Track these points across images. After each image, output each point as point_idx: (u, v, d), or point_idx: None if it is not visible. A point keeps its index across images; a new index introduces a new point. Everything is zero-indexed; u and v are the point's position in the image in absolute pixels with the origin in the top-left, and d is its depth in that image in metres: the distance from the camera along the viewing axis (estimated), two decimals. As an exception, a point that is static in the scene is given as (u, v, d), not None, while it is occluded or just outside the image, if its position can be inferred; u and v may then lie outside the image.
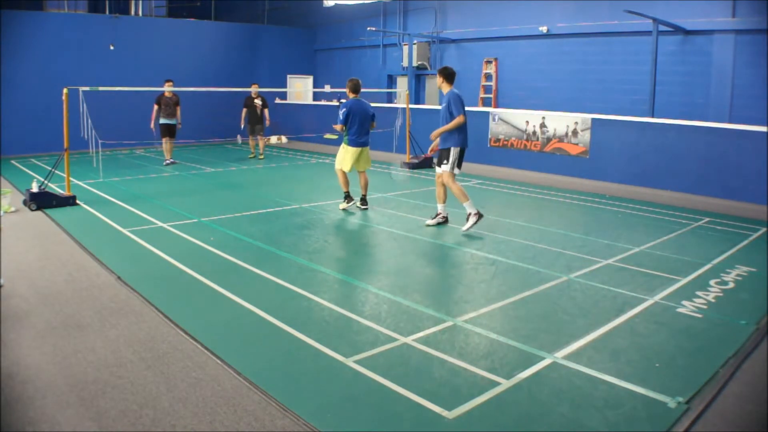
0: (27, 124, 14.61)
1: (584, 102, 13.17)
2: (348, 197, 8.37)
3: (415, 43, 16.87)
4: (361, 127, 8.15)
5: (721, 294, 5.11)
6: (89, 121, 9.33)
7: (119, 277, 5.35)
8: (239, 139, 17.01)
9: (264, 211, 8.41)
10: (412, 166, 12.73)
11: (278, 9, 20.54)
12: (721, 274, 5.65)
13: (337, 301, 4.84)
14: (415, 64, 17.01)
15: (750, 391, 3.55)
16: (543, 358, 3.82)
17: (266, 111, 14.15)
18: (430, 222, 7.53)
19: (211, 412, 3.17)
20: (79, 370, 3.61)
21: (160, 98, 12.64)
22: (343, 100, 8.45)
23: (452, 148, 7.11)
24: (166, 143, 12.99)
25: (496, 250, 6.42)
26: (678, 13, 11.59)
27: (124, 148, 15.24)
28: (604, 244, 6.71)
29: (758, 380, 3.71)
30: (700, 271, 5.73)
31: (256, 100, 13.97)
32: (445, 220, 7.54)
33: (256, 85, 14.26)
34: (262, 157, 14.36)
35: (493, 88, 15.31)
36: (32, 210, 8.14)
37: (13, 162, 13.18)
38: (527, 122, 12.56)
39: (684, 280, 5.44)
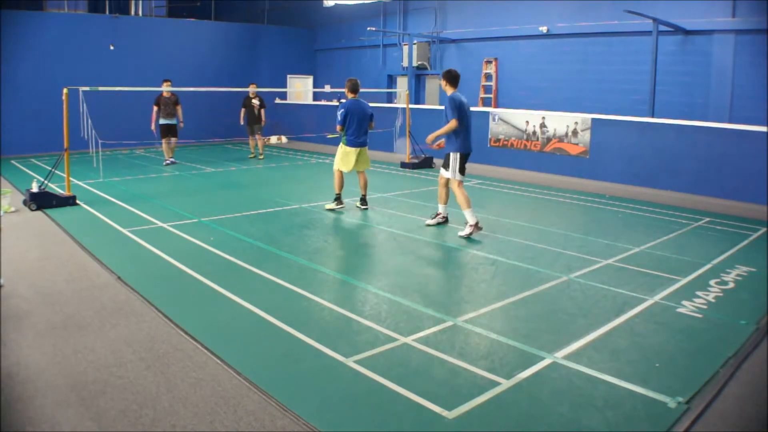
0: (27, 124, 14.60)
1: (584, 102, 13.17)
2: (338, 199, 8.36)
3: (415, 43, 16.87)
4: (359, 127, 8.14)
5: (721, 294, 5.11)
6: (89, 121, 9.33)
7: (119, 277, 5.35)
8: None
9: (264, 211, 8.41)
10: (412, 166, 12.75)
11: (278, 9, 20.53)
12: (721, 274, 5.65)
13: (337, 301, 4.84)
14: (415, 64, 17.01)
15: (750, 391, 3.55)
16: (543, 358, 3.82)
17: (263, 111, 14.17)
18: (430, 221, 7.53)
19: (211, 412, 3.17)
20: (79, 370, 3.61)
21: (159, 99, 12.64)
22: (343, 100, 8.45)
23: (451, 154, 7.07)
24: (165, 143, 12.99)
25: (496, 250, 6.42)
26: (678, 13, 11.59)
27: (124, 148, 15.24)
28: (604, 244, 6.71)
29: (758, 380, 3.71)
30: (700, 271, 5.73)
31: (253, 100, 13.99)
32: (445, 220, 7.54)
33: (254, 85, 14.27)
34: (261, 157, 14.37)
35: (493, 88, 15.31)
36: (32, 210, 8.14)
37: (13, 162, 13.18)
38: (527, 122, 12.56)
39: (684, 280, 5.44)
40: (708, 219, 8.19)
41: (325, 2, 17.53)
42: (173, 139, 12.96)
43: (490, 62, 15.42)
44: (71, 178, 8.97)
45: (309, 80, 20.87)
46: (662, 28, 11.41)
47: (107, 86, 12.24)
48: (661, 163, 10.46)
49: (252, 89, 14.04)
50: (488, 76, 15.46)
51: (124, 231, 7.06)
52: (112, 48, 16.15)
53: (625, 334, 4.24)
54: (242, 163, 13.59)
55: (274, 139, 18.39)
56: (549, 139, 12.16)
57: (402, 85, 17.87)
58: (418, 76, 17.62)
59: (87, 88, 9.30)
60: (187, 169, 12.48)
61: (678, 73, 11.91)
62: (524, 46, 14.75)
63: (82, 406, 3.21)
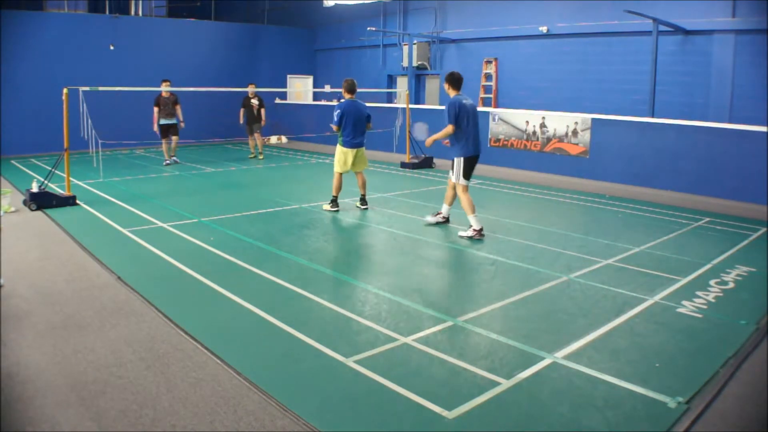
0: (27, 124, 14.60)
1: (584, 102, 13.17)
2: (334, 202, 8.35)
3: (415, 43, 16.87)
4: (355, 128, 8.14)
5: (721, 294, 5.11)
6: (89, 121, 9.33)
7: (119, 277, 5.35)
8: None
9: (264, 211, 8.41)
10: (412, 166, 12.75)
11: (278, 9, 20.53)
12: (721, 274, 5.65)
13: (337, 301, 4.84)
14: (415, 64, 17.01)
15: (750, 391, 3.55)
16: (543, 358, 3.82)
17: (263, 111, 14.18)
18: (430, 219, 7.53)
19: (211, 412, 3.17)
20: (79, 370, 3.61)
21: (158, 99, 12.64)
22: (342, 100, 8.45)
23: (455, 158, 7.08)
24: (165, 143, 12.99)
25: (496, 250, 6.42)
26: (678, 13, 11.59)
27: (124, 148, 15.24)
28: (604, 244, 6.71)
29: (758, 380, 3.71)
30: (700, 271, 5.73)
31: (252, 100, 14.00)
32: (446, 221, 7.54)
33: (253, 85, 14.28)
34: (261, 157, 14.37)
35: (493, 88, 15.31)
36: (32, 210, 8.14)
37: (13, 162, 13.18)
38: (527, 122, 12.56)
39: (684, 280, 5.44)
40: (708, 219, 8.19)
41: (325, 2, 17.53)
42: (174, 138, 12.95)
43: (490, 62, 15.42)
44: (71, 178, 8.97)
45: (309, 80, 20.87)
46: (662, 28, 11.41)
47: (107, 86, 12.24)
48: (661, 163, 10.46)
49: (251, 89, 14.05)
50: (488, 76, 15.46)
51: (124, 231, 7.06)
52: (112, 48, 16.14)
53: (625, 334, 4.24)
54: (242, 163, 13.59)
55: (274, 139, 18.39)
56: (549, 139, 12.16)
57: (402, 85, 17.87)
58: (418, 76, 17.62)
59: (87, 88, 9.30)
60: (187, 169, 12.48)
61: (678, 73, 11.91)
62: (524, 46, 14.74)
63: (82, 406, 3.21)
